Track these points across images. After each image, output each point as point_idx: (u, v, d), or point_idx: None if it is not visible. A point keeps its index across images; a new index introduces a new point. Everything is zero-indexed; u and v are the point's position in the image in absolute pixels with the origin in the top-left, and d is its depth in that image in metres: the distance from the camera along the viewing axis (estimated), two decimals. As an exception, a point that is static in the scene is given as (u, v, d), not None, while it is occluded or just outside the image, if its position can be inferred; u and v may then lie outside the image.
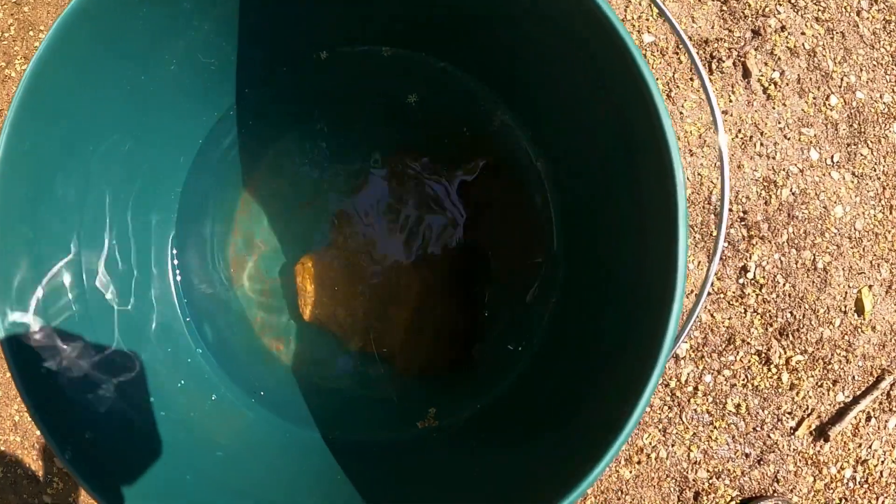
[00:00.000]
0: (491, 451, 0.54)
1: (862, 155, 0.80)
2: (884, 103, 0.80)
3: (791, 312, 0.79)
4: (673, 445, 0.78)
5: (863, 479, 0.80)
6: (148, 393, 0.50)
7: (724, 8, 0.81)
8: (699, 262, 0.78)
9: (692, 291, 0.78)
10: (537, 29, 0.48)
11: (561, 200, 0.59)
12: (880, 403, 0.80)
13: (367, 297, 0.63)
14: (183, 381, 0.55)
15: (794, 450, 0.79)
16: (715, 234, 0.78)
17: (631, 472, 0.78)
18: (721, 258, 0.78)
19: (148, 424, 0.48)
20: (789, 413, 0.79)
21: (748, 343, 0.79)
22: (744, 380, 0.78)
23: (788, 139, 0.80)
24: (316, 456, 0.56)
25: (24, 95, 0.43)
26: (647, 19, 0.80)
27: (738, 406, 0.78)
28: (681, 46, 0.79)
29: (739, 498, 0.79)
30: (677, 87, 0.80)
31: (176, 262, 0.60)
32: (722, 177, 0.46)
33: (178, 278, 0.60)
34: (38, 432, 0.80)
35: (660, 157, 0.40)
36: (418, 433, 0.59)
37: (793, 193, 0.79)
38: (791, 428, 0.79)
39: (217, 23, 0.52)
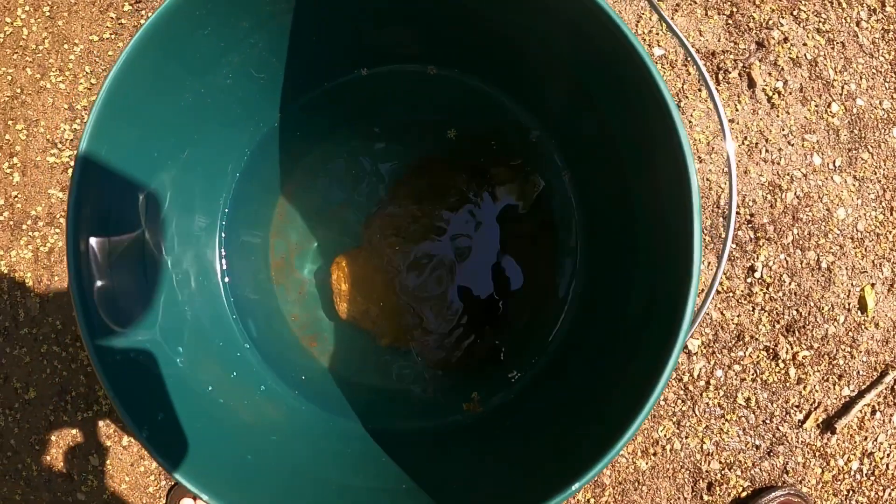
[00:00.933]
0: (518, 437, 0.58)
1: (863, 159, 0.85)
2: (883, 109, 0.85)
3: (797, 310, 0.83)
4: (687, 437, 0.82)
5: (869, 472, 0.84)
6: (207, 382, 0.54)
7: (730, 21, 0.85)
8: (709, 262, 0.82)
9: (702, 290, 0.82)
10: (567, 50, 0.52)
11: (584, 206, 0.62)
12: (885, 398, 0.84)
13: (399, 297, 0.67)
14: (235, 373, 0.58)
15: (802, 442, 0.83)
16: (724, 235, 0.82)
17: (647, 463, 0.81)
18: (729, 259, 0.82)
19: (209, 409, 0.51)
20: (797, 406, 0.83)
21: (756, 339, 0.82)
22: (753, 374, 0.82)
23: (792, 145, 0.84)
24: (357, 441, 0.59)
25: (104, 104, 0.47)
26: (657, 33, 0.85)
27: (748, 399, 0.82)
28: (689, 59, 0.84)
29: (751, 488, 0.82)
30: (686, 97, 0.84)
31: (224, 263, 0.63)
32: (730, 180, 0.50)
33: (227, 279, 0.63)
34: (72, 431, 0.83)
35: (676, 163, 0.44)
36: (453, 421, 0.62)
37: (797, 197, 0.84)
38: (799, 421, 0.83)
39: (270, 40, 0.55)
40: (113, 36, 0.87)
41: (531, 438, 0.56)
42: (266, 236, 0.68)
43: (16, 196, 0.86)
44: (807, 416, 0.83)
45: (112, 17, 0.87)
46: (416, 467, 0.54)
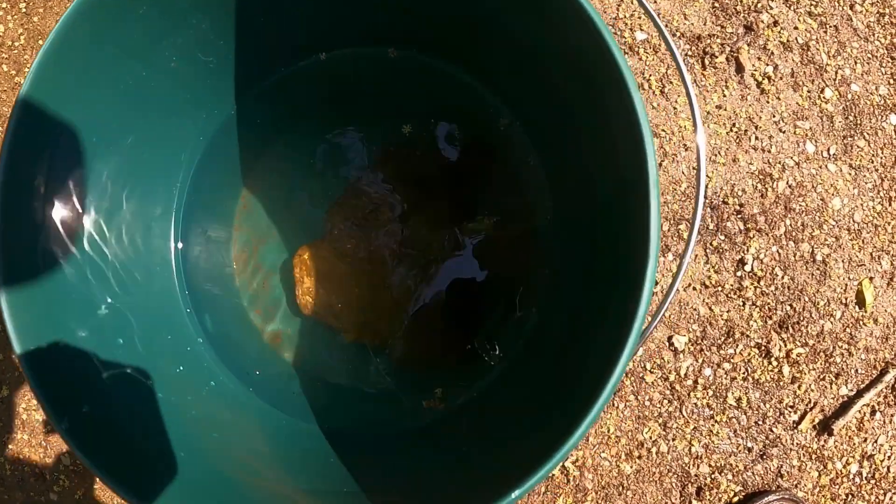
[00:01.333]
0: (469, 441, 0.55)
1: (859, 147, 0.81)
2: (879, 95, 0.81)
3: (791, 305, 0.79)
4: (674, 440, 0.78)
5: (869, 475, 0.79)
6: (146, 375, 0.52)
7: (717, 4, 0.82)
8: (696, 255, 0.79)
9: (689, 285, 0.79)
10: (526, 26, 0.50)
11: (552, 192, 0.60)
12: (885, 397, 0.80)
13: (363, 289, 0.65)
14: (182, 368, 0.56)
15: (797, 444, 0.79)
16: (711, 226, 0.79)
17: (632, 467, 0.78)
18: (718, 251, 0.79)
19: (144, 404, 0.49)
20: (791, 407, 0.79)
21: (748, 336, 0.79)
22: (744, 373, 0.79)
23: (784, 132, 0.81)
24: (306, 441, 0.57)
25: (32, 88, 0.45)
26: (640, 17, 0.82)
27: (738, 400, 0.78)
28: (675, 43, 0.81)
29: (743, 493, 0.78)
30: (670, 82, 0.81)
31: (179, 250, 0.62)
32: (699, 166, 0.47)
33: (181, 270, 0.61)
34: (44, 429, 0.82)
35: (634, 139, 0.42)
36: (407, 425, 0.59)
37: (789, 186, 0.80)
38: (794, 422, 0.79)
39: (214, 21, 0.53)
40: (86, 31, 0.86)
41: (484, 443, 0.53)
42: (228, 228, 0.66)
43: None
44: (802, 417, 0.79)
45: (86, 12, 0.87)
46: (361, 469, 0.51)
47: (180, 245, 0.62)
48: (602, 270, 0.49)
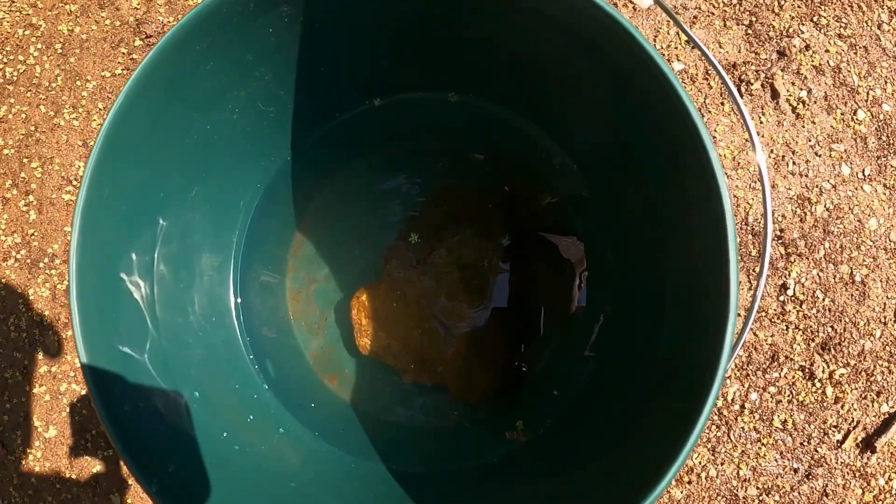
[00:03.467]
0: (544, 479, 0.56)
1: (892, 166, 0.81)
2: (912, 117, 0.82)
3: (832, 326, 0.80)
4: (722, 464, 0.79)
5: (912, 491, 0.80)
6: (221, 427, 0.52)
7: (750, 31, 0.83)
8: (739, 281, 0.80)
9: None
10: (586, 69, 0.51)
11: (611, 231, 0.60)
12: (925, 414, 0.80)
13: (420, 330, 0.65)
14: (252, 417, 0.56)
15: (841, 463, 0.80)
16: (754, 253, 0.79)
17: (682, 492, 0.78)
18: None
19: (224, 457, 0.50)
20: (835, 426, 0.80)
21: (791, 359, 0.79)
22: (789, 396, 0.79)
23: (819, 156, 0.81)
24: (380, 485, 0.57)
25: (104, 145, 0.46)
26: (676, 47, 0.83)
27: (784, 422, 0.79)
28: (710, 72, 0.81)
29: (790, 513, 0.79)
30: (709, 111, 0.81)
31: (238, 300, 0.62)
32: (764, 196, 0.48)
33: (241, 318, 0.62)
34: (93, 469, 0.82)
35: (707, 184, 0.42)
36: (476, 462, 0.60)
37: (827, 209, 0.81)
38: (837, 441, 0.80)
39: (276, 73, 0.54)
40: (125, 71, 0.87)
41: (560, 478, 0.54)
42: (283, 273, 0.66)
43: (32, 234, 0.86)
44: (845, 436, 0.80)
45: (123, 53, 0.87)
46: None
47: (239, 299, 0.62)
48: (674, 314, 0.50)
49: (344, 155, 0.66)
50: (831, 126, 0.82)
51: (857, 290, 0.80)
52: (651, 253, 0.54)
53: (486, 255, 0.65)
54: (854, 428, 0.80)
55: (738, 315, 0.78)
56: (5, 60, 0.90)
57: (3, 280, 0.86)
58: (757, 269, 0.80)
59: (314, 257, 0.66)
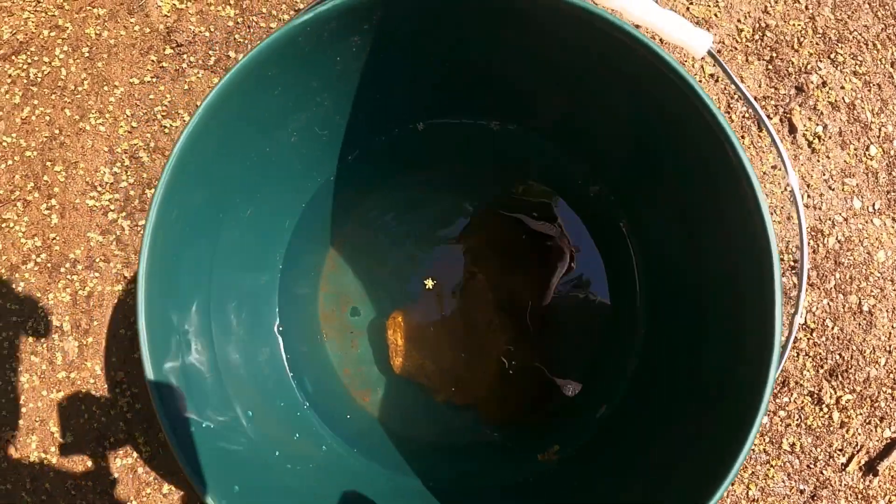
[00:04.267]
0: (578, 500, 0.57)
1: (901, 203, 0.85)
2: (922, 155, 0.85)
3: (840, 354, 0.83)
4: (732, 484, 0.81)
5: (908, 513, 0.83)
6: (273, 446, 0.53)
7: (770, 66, 0.86)
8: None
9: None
10: (631, 106, 0.53)
11: (645, 259, 0.62)
12: (924, 439, 0.84)
13: (455, 353, 0.66)
14: (297, 435, 0.57)
15: (845, 485, 0.83)
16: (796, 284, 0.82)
17: (693, 510, 0.81)
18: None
19: (279, 476, 0.51)
20: (840, 450, 0.83)
21: (801, 385, 0.82)
22: (798, 420, 0.82)
23: (833, 189, 0.85)
24: (420, 502, 0.59)
25: (176, 165, 0.46)
26: (700, 80, 0.85)
27: (792, 445, 0.82)
28: (731, 106, 0.84)
29: (794, 533, 0.82)
30: (729, 141, 0.84)
31: (279, 319, 0.63)
32: (799, 217, 0.50)
33: (281, 336, 0.63)
34: (110, 477, 0.82)
35: (751, 221, 0.45)
36: (517, 478, 0.61)
37: (838, 241, 0.84)
38: (842, 464, 0.83)
39: (336, 98, 0.55)
40: (154, 79, 0.87)
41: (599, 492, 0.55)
42: (315, 289, 0.67)
43: (54, 238, 0.86)
44: (849, 460, 0.83)
45: (153, 61, 0.87)
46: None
47: (279, 318, 0.63)
48: (715, 340, 0.52)
49: (382, 176, 0.67)
50: (844, 161, 0.85)
51: (864, 319, 0.84)
52: (692, 285, 0.56)
53: (521, 280, 0.66)
54: (858, 452, 0.83)
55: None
56: (29, 61, 0.90)
57: (21, 283, 0.86)
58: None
59: (347, 275, 0.67)
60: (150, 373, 0.45)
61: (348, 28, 0.48)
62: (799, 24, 0.87)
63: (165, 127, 0.86)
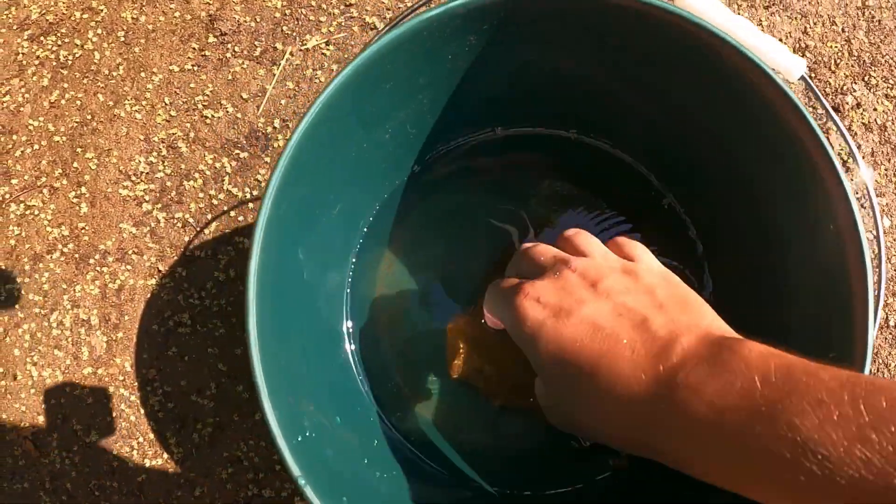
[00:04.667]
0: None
1: (926, 224, 0.88)
2: (949, 178, 0.88)
3: (871, 371, 0.85)
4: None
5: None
6: (362, 454, 0.52)
7: (808, 86, 0.88)
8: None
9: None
10: (738, 137, 0.53)
11: (730, 284, 0.63)
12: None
13: (516, 357, 0.66)
14: (376, 441, 0.56)
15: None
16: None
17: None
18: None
19: (374, 487, 0.50)
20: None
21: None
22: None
23: (864, 208, 0.87)
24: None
25: (291, 158, 0.45)
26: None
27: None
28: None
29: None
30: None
31: (349, 322, 0.62)
32: (875, 216, 0.51)
33: (352, 339, 0.61)
34: (138, 478, 0.79)
35: (841, 239, 0.46)
36: (582, 489, 0.61)
37: (869, 259, 0.86)
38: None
39: (435, 97, 0.54)
40: (195, 67, 0.84)
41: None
42: (373, 290, 0.66)
43: (83, 228, 0.82)
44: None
45: (194, 48, 0.85)
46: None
47: (350, 321, 0.62)
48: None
49: (452, 178, 0.66)
50: (876, 181, 0.88)
51: (890, 333, 0.86)
52: (773, 301, 0.57)
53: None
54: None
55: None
56: (59, 43, 0.86)
57: (46, 273, 0.82)
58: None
59: (405, 278, 0.66)
60: (259, 376, 0.43)
61: (469, 26, 0.47)
62: (836, 46, 0.89)
63: (207, 117, 0.83)
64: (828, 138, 0.85)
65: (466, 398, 0.66)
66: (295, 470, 0.41)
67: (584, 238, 0.48)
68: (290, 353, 0.47)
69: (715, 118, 0.54)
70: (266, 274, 0.44)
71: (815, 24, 0.90)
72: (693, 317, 0.41)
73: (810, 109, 0.88)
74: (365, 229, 0.62)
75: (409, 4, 0.84)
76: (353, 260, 0.62)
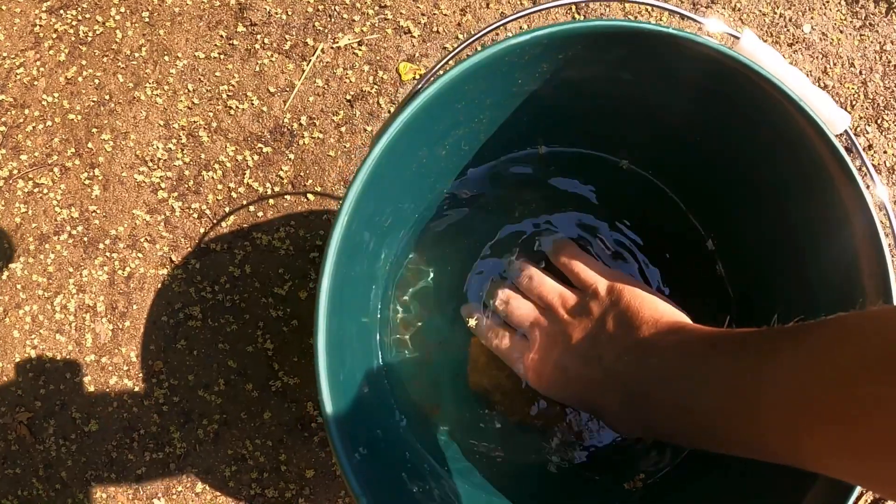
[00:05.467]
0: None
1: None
2: (948, 224, 0.91)
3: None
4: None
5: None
6: (399, 467, 0.52)
7: (826, 124, 0.90)
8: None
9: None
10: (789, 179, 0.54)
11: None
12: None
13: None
14: (408, 454, 0.56)
15: None
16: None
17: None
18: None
19: (415, 499, 0.50)
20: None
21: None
22: None
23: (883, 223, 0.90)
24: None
25: (372, 172, 0.44)
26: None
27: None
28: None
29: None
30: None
31: (379, 332, 0.61)
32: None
33: (380, 350, 0.61)
34: (137, 471, 0.77)
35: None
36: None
37: (870, 296, 0.89)
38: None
39: (493, 118, 0.54)
40: (221, 56, 0.82)
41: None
42: (392, 298, 0.65)
43: (94, 211, 0.80)
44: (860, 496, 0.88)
45: (222, 36, 0.83)
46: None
47: (378, 336, 0.61)
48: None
49: (488, 190, 0.66)
50: (881, 222, 0.90)
51: None
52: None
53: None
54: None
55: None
56: (80, 18, 0.83)
57: (52, 255, 0.80)
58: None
59: (427, 286, 0.65)
60: (325, 392, 0.42)
61: (546, 55, 0.47)
62: (853, 88, 0.92)
63: (231, 108, 0.81)
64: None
65: (481, 410, 0.66)
66: (358, 490, 0.41)
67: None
68: (346, 368, 0.47)
69: (769, 167, 0.55)
70: (334, 290, 0.44)
71: (834, 64, 0.92)
72: None
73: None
74: (401, 240, 0.62)
75: (445, 13, 0.83)
76: (387, 269, 0.62)
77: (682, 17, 0.60)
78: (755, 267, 0.61)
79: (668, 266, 0.64)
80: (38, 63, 0.83)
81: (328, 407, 0.41)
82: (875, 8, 0.92)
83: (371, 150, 0.43)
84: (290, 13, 0.83)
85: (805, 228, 0.55)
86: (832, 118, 0.56)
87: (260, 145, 0.80)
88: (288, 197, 0.79)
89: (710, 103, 0.53)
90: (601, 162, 0.64)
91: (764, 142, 0.54)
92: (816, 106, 0.53)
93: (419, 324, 0.65)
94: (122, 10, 0.83)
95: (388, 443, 0.52)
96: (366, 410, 0.49)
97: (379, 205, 0.50)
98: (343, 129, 0.80)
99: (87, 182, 0.80)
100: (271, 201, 0.80)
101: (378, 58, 0.82)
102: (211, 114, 0.81)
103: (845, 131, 0.58)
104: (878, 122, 0.91)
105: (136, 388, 0.78)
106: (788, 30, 0.91)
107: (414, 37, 0.82)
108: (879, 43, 0.91)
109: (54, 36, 0.83)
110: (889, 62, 0.92)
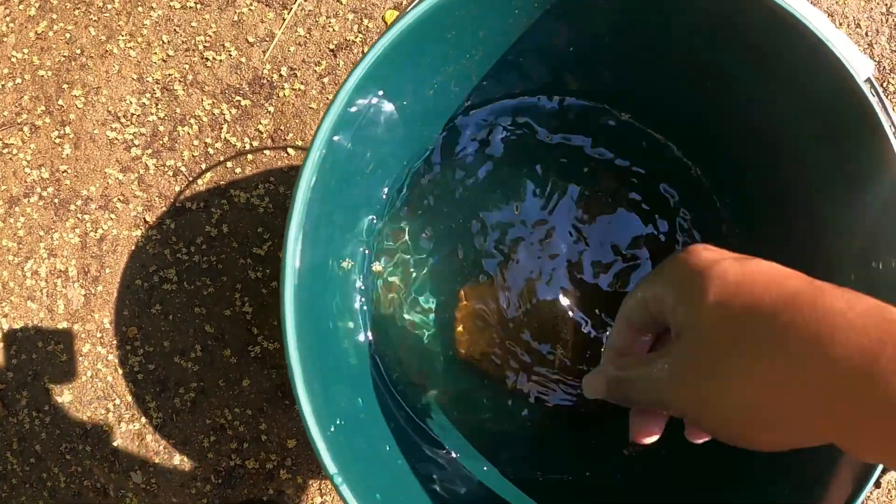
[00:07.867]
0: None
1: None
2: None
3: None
4: None
5: (898, 524, 0.87)
6: (382, 439, 0.48)
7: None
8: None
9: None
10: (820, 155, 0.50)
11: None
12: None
13: (526, 337, 0.63)
14: (392, 425, 0.53)
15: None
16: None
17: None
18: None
19: (406, 481, 0.46)
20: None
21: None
22: None
23: None
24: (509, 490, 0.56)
25: (347, 102, 0.40)
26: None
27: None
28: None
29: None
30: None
31: (362, 298, 0.58)
32: None
33: (364, 318, 0.57)
34: (113, 443, 0.74)
35: None
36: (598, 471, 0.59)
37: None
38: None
39: (485, 56, 0.50)
40: (198, 5, 0.78)
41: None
42: (383, 258, 0.62)
43: (64, 171, 0.76)
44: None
45: (198, -16, 0.78)
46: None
47: (361, 299, 0.58)
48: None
49: (474, 149, 0.62)
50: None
51: None
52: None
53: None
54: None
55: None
56: (47, -34, 0.79)
57: (22, 218, 0.75)
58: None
59: (419, 248, 0.62)
60: (295, 361, 0.38)
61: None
62: (859, 50, 0.88)
63: (207, 60, 0.77)
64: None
65: (473, 379, 0.63)
66: (331, 467, 0.37)
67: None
68: (318, 335, 0.43)
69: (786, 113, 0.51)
70: (304, 248, 0.40)
71: (840, 24, 0.88)
72: None
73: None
74: (384, 196, 0.58)
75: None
76: (371, 224, 0.58)
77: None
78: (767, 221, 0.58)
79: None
80: (8, 18, 0.78)
81: (296, 368, 0.37)
82: (886, -42, 0.88)
83: (347, 79, 0.39)
84: (269, -40, 0.78)
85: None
86: (856, 64, 0.52)
87: (238, 98, 0.76)
88: (267, 152, 0.75)
89: (725, 45, 0.49)
90: (603, 115, 0.60)
91: (780, 81, 0.49)
92: (839, 49, 0.49)
93: (407, 288, 0.62)
94: (92, -43, 0.78)
95: (371, 413, 0.48)
96: (344, 377, 0.46)
97: (357, 148, 0.46)
98: (325, 80, 0.76)
99: (57, 141, 0.76)
100: (250, 157, 0.75)
101: (363, 5, 0.77)
102: (187, 66, 0.77)
103: (868, 79, 0.54)
104: (884, 84, 0.87)
105: (111, 356, 0.74)
106: (795, -20, 0.87)
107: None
108: (886, 5, 0.87)
109: (20, -15, 0.78)
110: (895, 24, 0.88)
